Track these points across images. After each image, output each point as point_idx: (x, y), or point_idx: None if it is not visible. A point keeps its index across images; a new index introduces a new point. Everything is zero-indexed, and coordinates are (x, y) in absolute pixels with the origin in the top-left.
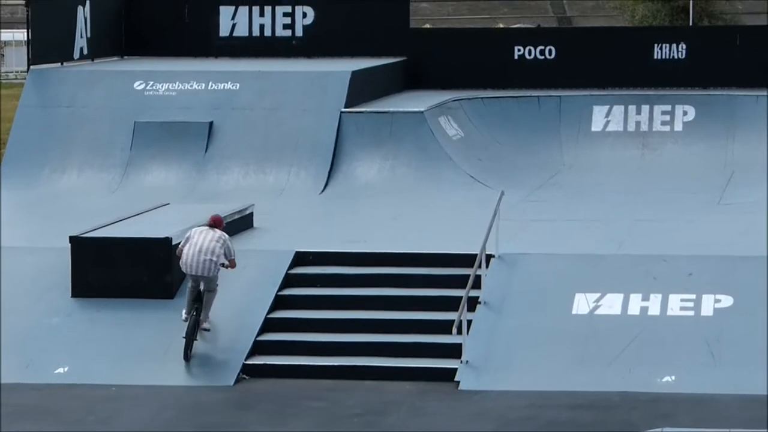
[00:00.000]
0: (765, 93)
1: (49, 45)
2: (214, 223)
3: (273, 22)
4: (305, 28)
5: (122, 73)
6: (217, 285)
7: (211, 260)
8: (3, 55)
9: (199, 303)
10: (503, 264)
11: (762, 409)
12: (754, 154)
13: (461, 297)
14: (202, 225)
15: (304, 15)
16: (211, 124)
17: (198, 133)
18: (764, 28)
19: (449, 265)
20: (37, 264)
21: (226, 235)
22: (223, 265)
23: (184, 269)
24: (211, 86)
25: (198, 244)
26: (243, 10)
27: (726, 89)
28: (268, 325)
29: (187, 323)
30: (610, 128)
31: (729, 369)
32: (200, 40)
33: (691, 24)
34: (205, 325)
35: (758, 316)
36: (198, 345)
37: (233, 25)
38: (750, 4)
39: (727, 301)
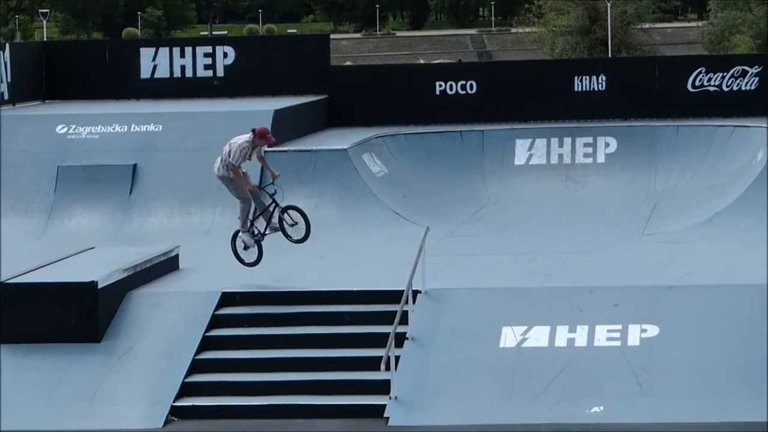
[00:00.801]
0: (685, 123)
1: None
2: (256, 132)
3: (194, 62)
4: (226, 68)
5: (44, 117)
6: (243, 193)
7: (222, 160)
8: None
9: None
10: (430, 299)
11: None
12: (676, 185)
13: (389, 333)
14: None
15: (225, 55)
16: (134, 166)
17: (122, 175)
18: (682, 58)
19: (376, 301)
20: None
21: (246, 144)
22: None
23: None
24: (134, 128)
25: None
26: (163, 51)
27: (646, 120)
28: (196, 367)
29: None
30: (533, 161)
31: (656, 398)
32: (121, 83)
33: (610, 56)
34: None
35: (684, 344)
36: (125, 386)
37: (154, 67)
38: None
39: (653, 330)
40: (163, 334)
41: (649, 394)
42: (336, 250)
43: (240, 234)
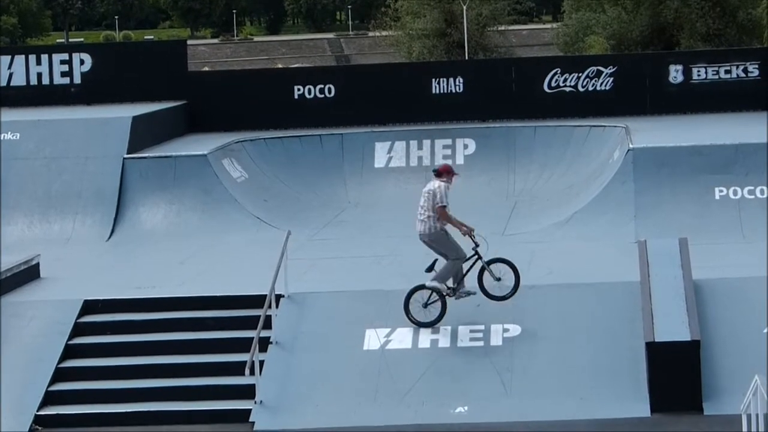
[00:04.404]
0: (542, 124)
1: None
2: (439, 172)
3: (51, 70)
4: (83, 75)
5: None
6: (458, 252)
7: (422, 215)
8: None
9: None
10: (293, 303)
11: None
12: (535, 185)
13: (252, 338)
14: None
15: (82, 62)
16: None
17: None
18: (538, 59)
19: (239, 306)
20: None
21: (442, 184)
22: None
23: None
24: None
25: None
26: (19, 59)
27: (504, 121)
28: (59, 375)
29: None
30: (393, 164)
31: (519, 397)
32: None
33: (466, 58)
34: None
35: (546, 343)
36: None
37: (10, 75)
38: (523, 37)
39: (515, 330)
40: (25, 343)
41: (512, 393)
42: (197, 256)
43: (432, 292)
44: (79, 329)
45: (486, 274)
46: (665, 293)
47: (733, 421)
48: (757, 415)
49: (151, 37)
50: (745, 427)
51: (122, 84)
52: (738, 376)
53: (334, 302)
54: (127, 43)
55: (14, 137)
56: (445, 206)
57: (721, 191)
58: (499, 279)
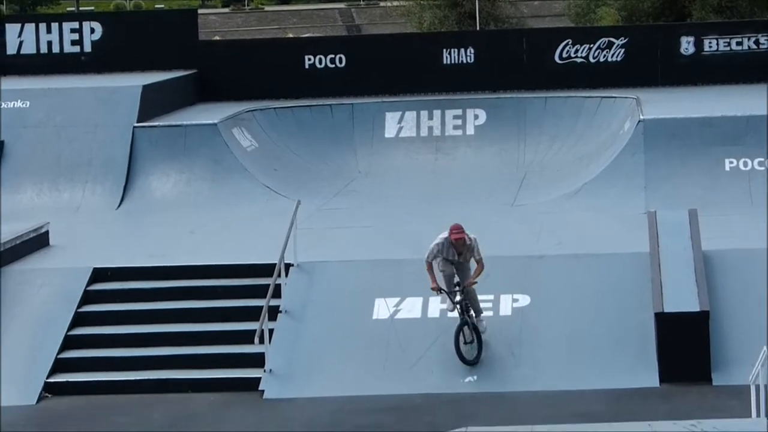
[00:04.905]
0: (553, 95)
1: None
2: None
3: (60, 38)
4: (93, 43)
5: None
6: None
7: None
8: None
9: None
10: (302, 272)
11: (562, 405)
12: (545, 156)
13: (262, 307)
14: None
15: (92, 30)
16: (2, 143)
17: None
18: (549, 30)
19: (248, 275)
20: None
21: (438, 240)
22: None
23: None
24: (1, 105)
25: None
26: (29, 27)
27: (515, 92)
28: (69, 343)
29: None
30: (403, 134)
31: (528, 367)
32: None
33: (478, 28)
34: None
35: (554, 313)
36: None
37: (20, 43)
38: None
39: (524, 300)
40: (34, 310)
41: (521, 363)
42: (207, 225)
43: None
44: (88, 297)
45: (464, 330)
46: (675, 264)
47: (742, 391)
48: (765, 386)
49: (162, 6)
50: (753, 398)
51: (132, 53)
52: (747, 347)
53: (343, 271)
54: (138, 11)
55: (24, 105)
56: (427, 260)
57: (731, 163)
58: (469, 342)
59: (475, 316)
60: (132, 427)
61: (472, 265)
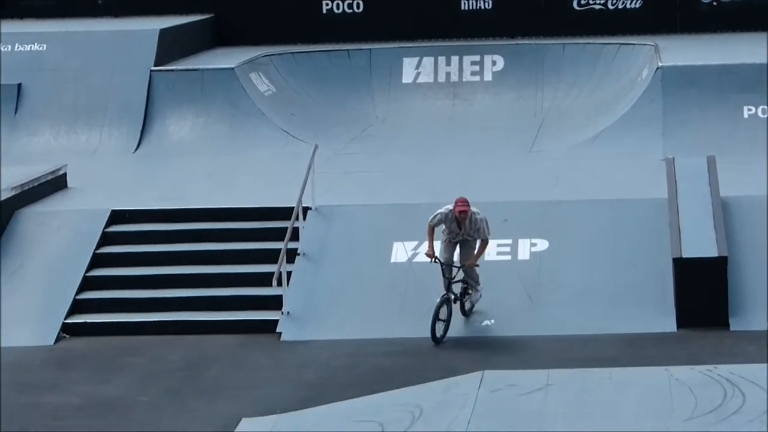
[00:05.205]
0: (571, 41)
1: None
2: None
3: None
4: None
5: None
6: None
7: None
8: None
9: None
10: (320, 216)
11: (579, 350)
12: (563, 102)
13: (280, 249)
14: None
15: None
16: (19, 85)
17: (7, 95)
18: None
19: (266, 218)
20: None
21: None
22: None
23: None
24: (18, 47)
25: None
26: None
27: (533, 38)
28: (87, 284)
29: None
30: (420, 80)
31: (546, 311)
32: (3, 2)
33: None
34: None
35: (572, 258)
36: (15, 305)
37: None
38: None
39: (542, 244)
40: (52, 252)
41: (538, 307)
42: (225, 168)
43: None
44: (106, 239)
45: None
46: (693, 210)
47: (759, 337)
48: None
49: None
50: None
51: None
52: (764, 293)
53: (361, 215)
54: None
55: (41, 48)
56: (430, 224)
57: (749, 110)
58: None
59: (472, 288)
60: (149, 368)
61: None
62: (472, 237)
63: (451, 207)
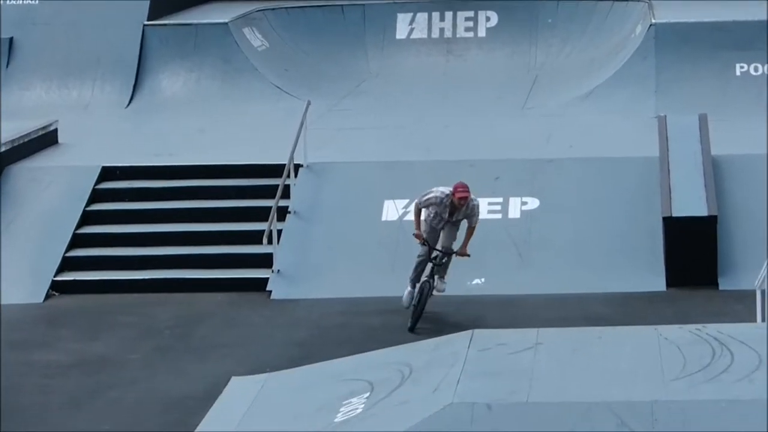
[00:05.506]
0: None
1: None
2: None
3: None
4: None
5: None
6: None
7: None
8: None
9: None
10: (312, 173)
11: (569, 308)
12: (556, 59)
13: (270, 207)
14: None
15: None
16: (11, 39)
17: None
18: None
19: (258, 175)
20: None
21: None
22: None
23: None
24: (10, 1)
25: None
26: None
27: None
28: (77, 241)
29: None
30: (414, 35)
31: (536, 270)
32: None
33: None
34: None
35: (563, 217)
36: (4, 262)
37: None
38: None
39: (533, 203)
40: (42, 208)
41: (528, 265)
42: (217, 124)
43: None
44: (96, 195)
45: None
46: (684, 168)
47: (748, 296)
48: None
49: None
50: (759, 303)
51: None
52: (754, 252)
53: (353, 173)
54: None
55: (33, 2)
56: (418, 205)
57: (742, 67)
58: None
59: (439, 276)
60: (138, 325)
61: (463, 225)
62: (460, 220)
63: (445, 190)
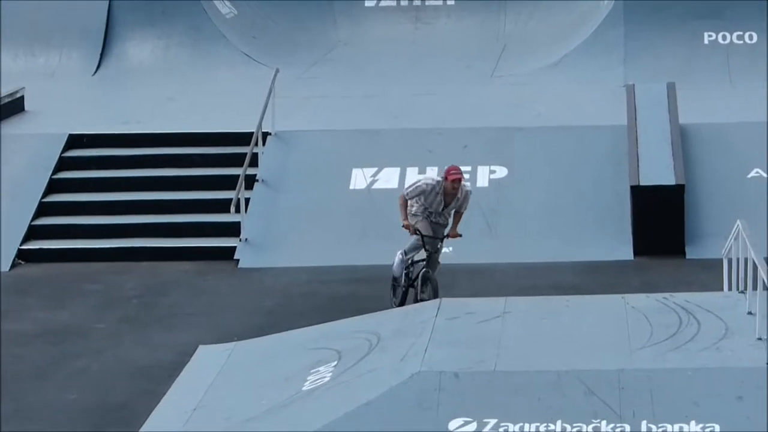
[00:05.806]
0: None
1: None
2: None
3: None
4: None
5: None
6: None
7: None
8: None
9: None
10: (280, 141)
11: (537, 277)
12: (525, 28)
13: (238, 175)
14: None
15: None
16: None
17: None
18: None
19: (226, 143)
20: None
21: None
22: None
23: None
24: None
25: None
26: None
27: None
28: (43, 209)
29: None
30: (383, 3)
31: (504, 239)
32: None
33: None
34: None
35: (531, 186)
36: None
37: None
38: None
39: (501, 171)
40: (8, 176)
41: (497, 234)
42: (185, 92)
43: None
44: (63, 163)
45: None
46: (652, 137)
47: (715, 265)
48: (737, 260)
49: None
50: (725, 271)
51: None
52: (721, 221)
53: (321, 141)
54: None
55: None
56: (404, 195)
57: (710, 36)
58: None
59: (432, 271)
60: (105, 294)
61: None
62: (451, 211)
63: (436, 178)
